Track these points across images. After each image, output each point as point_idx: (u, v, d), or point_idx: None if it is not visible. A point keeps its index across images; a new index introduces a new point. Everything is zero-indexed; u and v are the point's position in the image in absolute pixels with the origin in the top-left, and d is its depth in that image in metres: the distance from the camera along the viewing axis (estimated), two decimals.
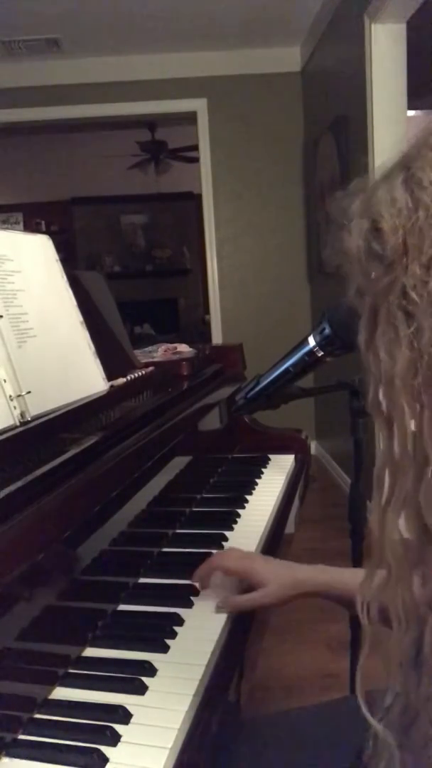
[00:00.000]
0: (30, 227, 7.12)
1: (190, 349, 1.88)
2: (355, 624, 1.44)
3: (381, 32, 2.90)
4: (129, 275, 7.64)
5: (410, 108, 2.99)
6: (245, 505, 1.42)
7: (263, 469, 1.65)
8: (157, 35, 4.01)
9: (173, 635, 0.92)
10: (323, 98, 3.98)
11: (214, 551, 1.14)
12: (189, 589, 1.04)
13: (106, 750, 0.70)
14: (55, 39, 3.94)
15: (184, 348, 1.87)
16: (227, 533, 1.26)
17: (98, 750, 0.70)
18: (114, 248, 7.77)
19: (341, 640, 1.90)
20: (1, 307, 1.06)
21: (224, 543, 1.22)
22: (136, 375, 1.43)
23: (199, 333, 6.35)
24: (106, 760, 0.69)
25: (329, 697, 0.95)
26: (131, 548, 1.12)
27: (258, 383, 1.38)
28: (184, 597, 1.02)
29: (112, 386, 1.30)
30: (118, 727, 0.74)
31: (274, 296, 4.64)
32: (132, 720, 0.75)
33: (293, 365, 1.31)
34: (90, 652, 0.90)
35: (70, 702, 0.79)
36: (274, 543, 1.28)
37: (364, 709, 0.56)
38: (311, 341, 1.26)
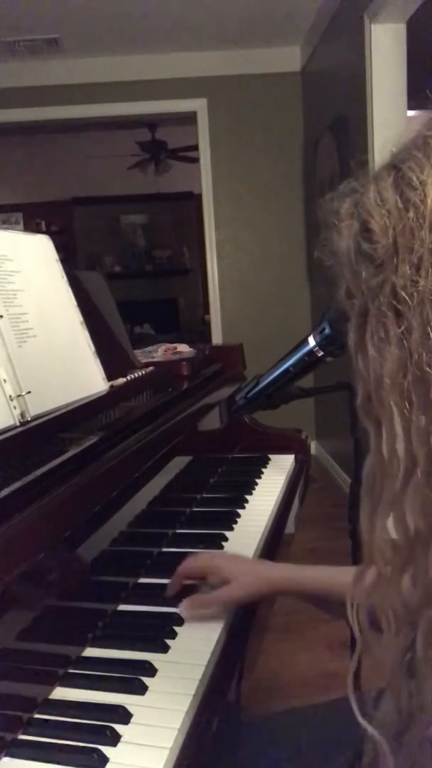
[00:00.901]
0: (30, 227, 7.12)
1: (190, 349, 1.87)
2: None
3: (381, 32, 2.90)
4: (129, 275, 7.63)
5: (410, 108, 2.99)
6: (245, 505, 1.41)
7: (263, 469, 1.65)
8: (157, 35, 4.01)
9: (173, 635, 0.92)
10: (323, 98, 3.99)
11: (213, 551, 1.13)
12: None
13: (106, 750, 0.70)
14: (55, 39, 3.94)
15: (184, 348, 1.87)
16: (227, 533, 1.26)
17: (98, 750, 0.70)
18: (114, 248, 7.77)
19: (341, 640, 1.90)
20: (1, 307, 1.06)
21: (224, 543, 1.22)
22: (136, 375, 1.43)
23: (199, 333, 6.34)
24: (106, 760, 0.69)
25: (329, 697, 0.94)
26: (131, 548, 1.12)
27: (258, 383, 1.38)
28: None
29: (112, 386, 1.30)
30: (118, 727, 0.74)
31: (274, 296, 4.64)
32: (132, 720, 0.75)
33: (293, 365, 1.31)
34: (90, 652, 0.90)
35: (70, 702, 0.79)
36: (274, 543, 1.28)
37: (357, 714, 0.56)
38: (311, 341, 1.26)
